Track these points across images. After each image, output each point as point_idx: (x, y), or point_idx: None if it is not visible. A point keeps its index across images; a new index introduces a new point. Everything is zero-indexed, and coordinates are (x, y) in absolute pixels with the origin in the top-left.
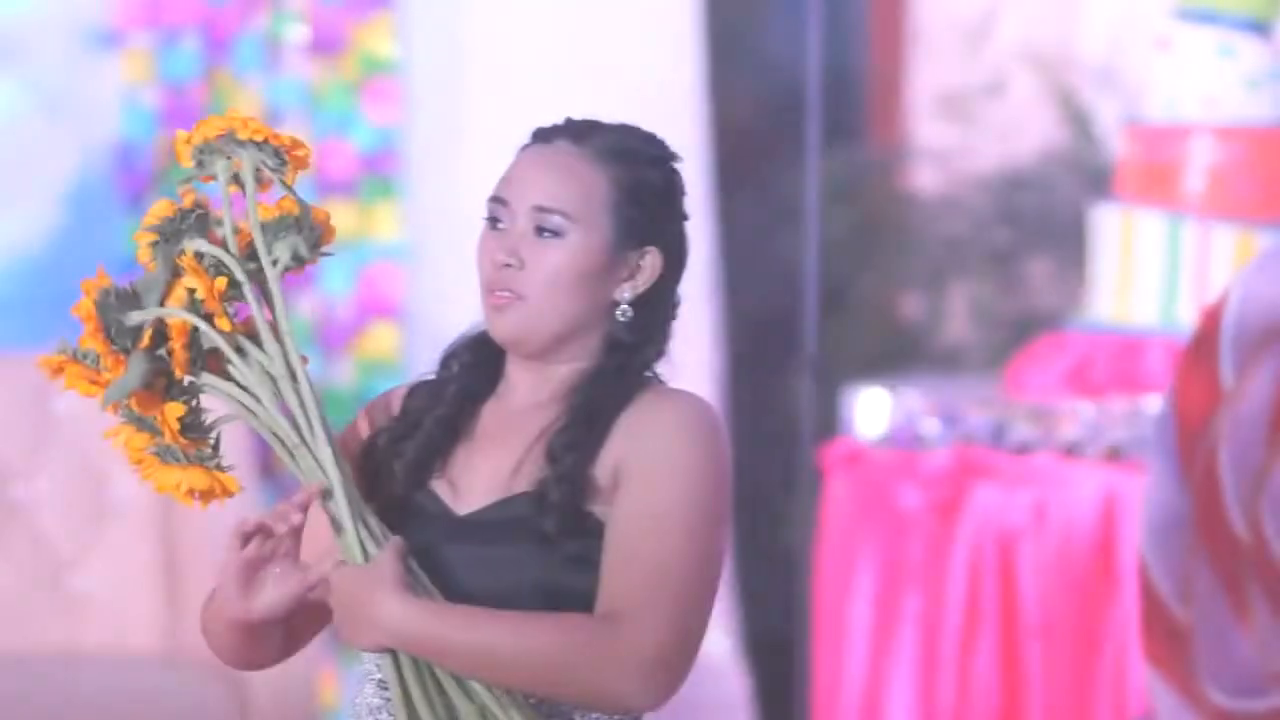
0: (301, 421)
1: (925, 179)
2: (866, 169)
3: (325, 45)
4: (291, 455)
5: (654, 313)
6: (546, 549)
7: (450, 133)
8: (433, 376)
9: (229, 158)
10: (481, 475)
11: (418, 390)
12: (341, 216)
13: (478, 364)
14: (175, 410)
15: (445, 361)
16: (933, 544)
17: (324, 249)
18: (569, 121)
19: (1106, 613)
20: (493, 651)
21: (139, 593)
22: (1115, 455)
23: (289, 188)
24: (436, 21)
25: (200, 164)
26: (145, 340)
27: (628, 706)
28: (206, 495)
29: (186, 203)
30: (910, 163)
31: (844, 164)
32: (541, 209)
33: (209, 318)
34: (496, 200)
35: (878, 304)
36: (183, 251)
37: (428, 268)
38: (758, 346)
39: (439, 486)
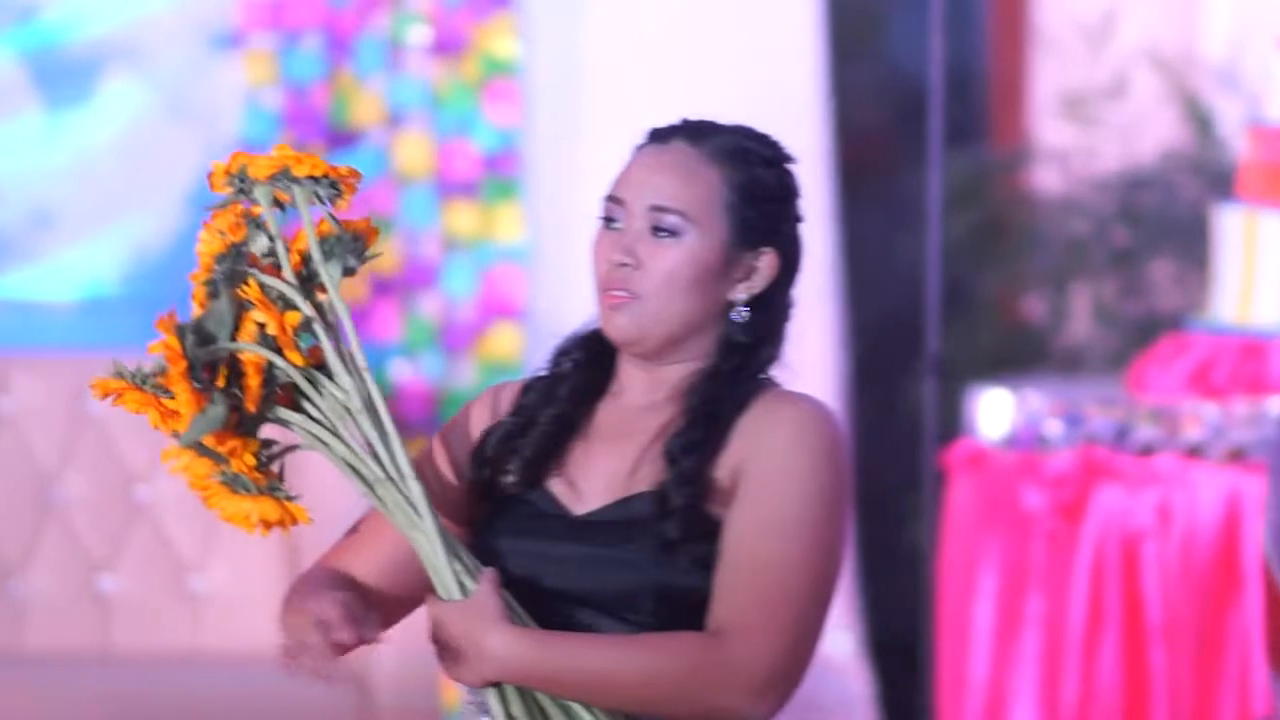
0: (383, 455)
1: (1047, 180)
2: (988, 170)
3: (446, 46)
4: (372, 489)
5: (770, 314)
6: (665, 550)
7: (570, 133)
8: (544, 373)
9: (272, 187)
10: (599, 475)
11: (531, 387)
12: (463, 218)
13: (590, 362)
14: (251, 445)
15: (557, 359)
16: (1056, 545)
17: (370, 253)
18: (685, 121)
19: (1230, 614)
20: (603, 677)
21: (260, 593)
22: (1238, 456)
23: (333, 216)
24: (557, 22)
25: (241, 191)
26: (221, 378)
27: None
28: (276, 525)
29: (238, 235)
30: (1032, 163)
31: (966, 165)
32: (658, 209)
33: (279, 352)
34: (612, 200)
35: (1000, 305)
36: (246, 282)
37: (549, 268)
38: (881, 348)
39: (555, 485)
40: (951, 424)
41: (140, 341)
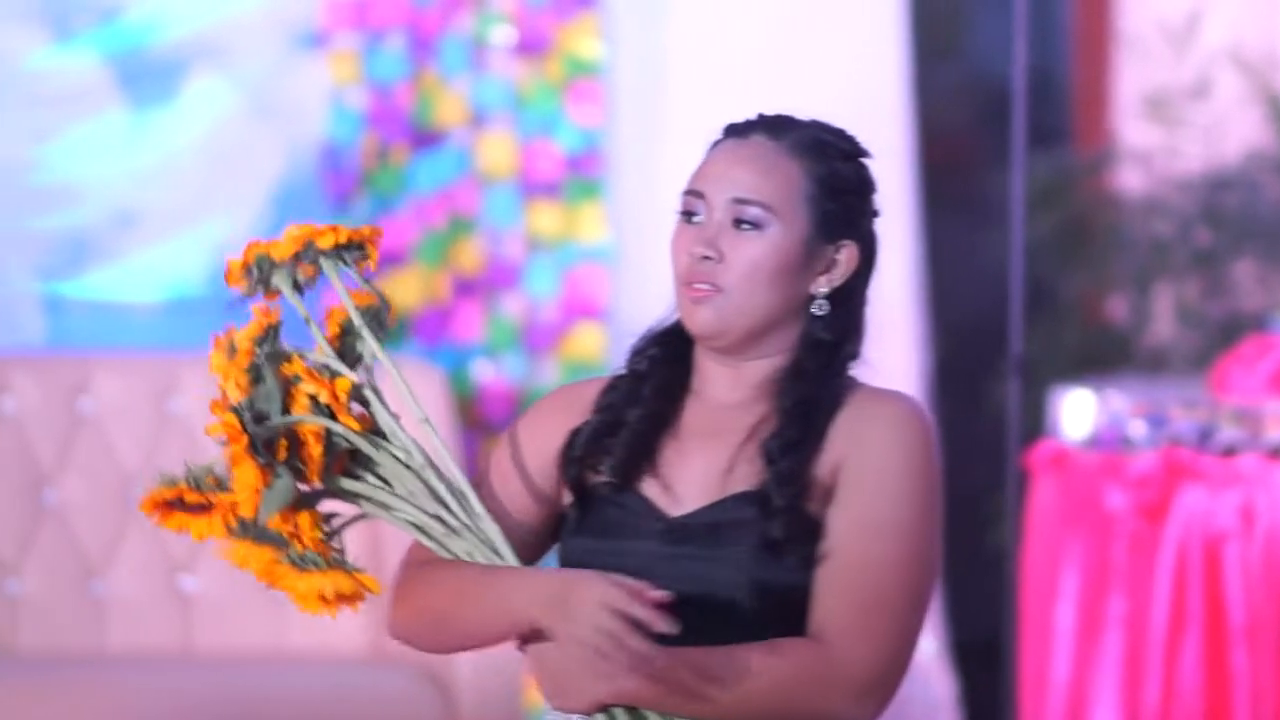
0: (454, 505)
1: (1130, 180)
2: (1072, 171)
3: (530, 47)
4: (444, 545)
5: (850, 309)
6: (768, 550)
7: (653, 133)
8: (624, 371)
9: (288, 268)
10: (694, 476)
11: (614, 386)
12: (546, 218)
13: (669, 359)
14: (315, 518)
15: (634, 357)
16: (1139, 546)
17: (391, 320)
18: (763, 116)
19: None
20: (714, 691)
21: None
22: None
23: (367, 281)
24: (640, 22)
25: (260, 281)
26: (282, 452)
27: None
28: (350, 599)
29: (273, 318)
30: (1115, 164)
31: (1049, 166)
32: (741, 201)
33: (334, 419)
34: (692, 193)
35: (1083, 306)
36: (288, 359)
37: (632, 268)
38: (964, 349)
39: (647, 487)
40: (1035, 425)
41: None
